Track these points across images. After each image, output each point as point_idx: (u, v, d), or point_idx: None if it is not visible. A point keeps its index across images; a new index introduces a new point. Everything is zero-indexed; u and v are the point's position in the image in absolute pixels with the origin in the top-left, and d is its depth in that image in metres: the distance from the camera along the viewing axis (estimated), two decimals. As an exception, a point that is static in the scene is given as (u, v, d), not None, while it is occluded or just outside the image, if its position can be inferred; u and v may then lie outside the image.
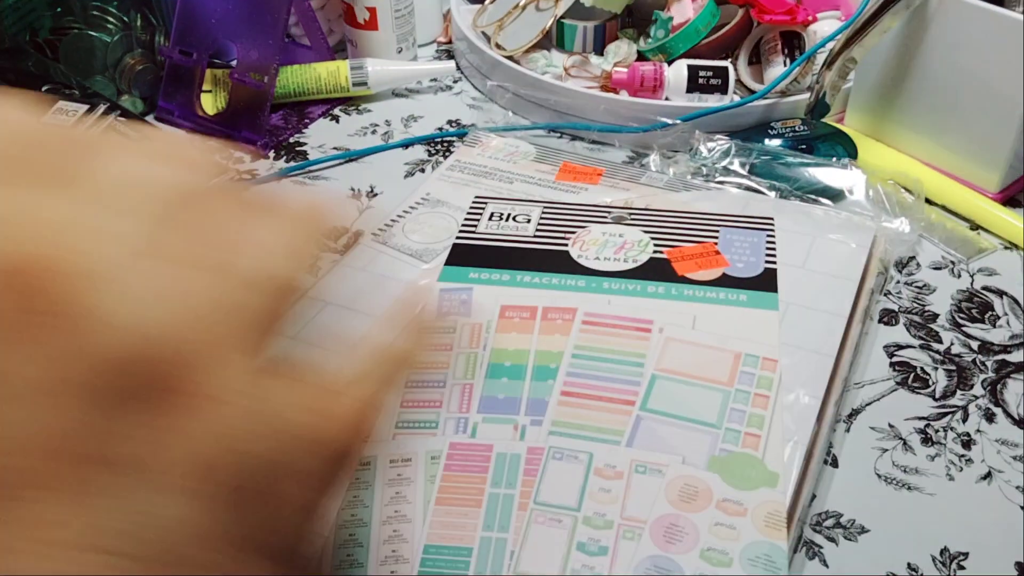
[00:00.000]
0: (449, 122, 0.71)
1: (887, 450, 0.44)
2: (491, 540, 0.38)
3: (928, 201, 0.61)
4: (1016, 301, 0.53)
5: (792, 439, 0.41)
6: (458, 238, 0.55)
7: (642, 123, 0.66)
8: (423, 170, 0.65)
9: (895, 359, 0.49)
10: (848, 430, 0.45)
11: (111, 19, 0.70)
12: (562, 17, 0.75)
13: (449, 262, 0.53)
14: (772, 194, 0.58)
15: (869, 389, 0.47)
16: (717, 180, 0.60)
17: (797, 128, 0.63)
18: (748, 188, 0.59)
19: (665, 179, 0.60)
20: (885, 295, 0.53)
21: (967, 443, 0.44)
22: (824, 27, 0.67)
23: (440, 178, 0.62)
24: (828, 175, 0.59)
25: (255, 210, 0.23)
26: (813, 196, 0.58)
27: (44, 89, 0.65)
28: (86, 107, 0.58)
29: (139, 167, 0.22)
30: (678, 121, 0.65)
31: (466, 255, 0.53)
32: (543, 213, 0.56)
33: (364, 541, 0.39)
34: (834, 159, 0.61)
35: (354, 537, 0.39)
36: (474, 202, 0.58)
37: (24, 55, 0.67)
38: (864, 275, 0.51)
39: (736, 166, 0.61)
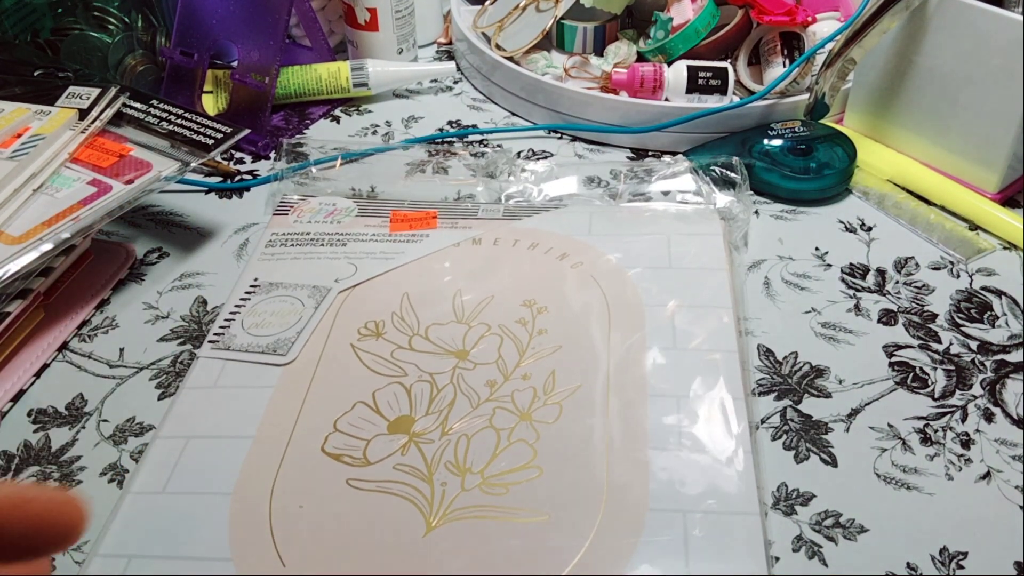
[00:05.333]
0: (450, 123, 0.71)
1: (886, 450, 0.44)
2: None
3: (927, 201, 0.61)
4: (1015, 301, 0.53)
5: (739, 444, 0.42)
6: None
7: (642, 124, 0.66)
8: (423, 171, 0.66)
9: (894, 359, 0.49)
10: (847, 430, 0.45)
11: (112, 20, 0.71)
12: (562, 18, 0.75)
13: None
14: (612, 200, 0.59)
15: (868, 389, 0.47)
16: (552, 199, 0.60)
17: (796, 129, 0.63)
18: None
19: (502, 209, 0.59)
20: (884, 295, 0.53)
21: (966, 443, 0.44)
22: (823, 28, 0.67)
23: (263, 258, 0.55)
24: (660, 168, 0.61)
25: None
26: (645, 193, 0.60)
27: (36, 74, 0.65)
28: (97, 91, 0.58)
29: None
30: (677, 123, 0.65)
31: None
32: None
33: None
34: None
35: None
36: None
37: (22, 51, 0.67)
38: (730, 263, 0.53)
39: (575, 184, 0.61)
